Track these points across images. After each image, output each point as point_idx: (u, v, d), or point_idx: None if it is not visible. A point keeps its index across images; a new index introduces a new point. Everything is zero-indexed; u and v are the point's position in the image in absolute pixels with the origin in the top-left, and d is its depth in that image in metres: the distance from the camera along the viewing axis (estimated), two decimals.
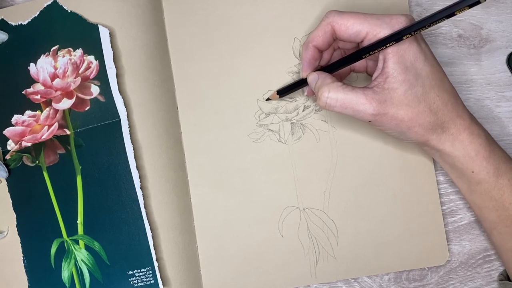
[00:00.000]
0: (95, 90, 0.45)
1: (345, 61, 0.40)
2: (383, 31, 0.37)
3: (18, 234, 0.45)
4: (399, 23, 0.36)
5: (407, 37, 0.36)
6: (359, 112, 0.37)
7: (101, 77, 0.44)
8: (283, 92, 0.44)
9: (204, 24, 0.45)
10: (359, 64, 0.42)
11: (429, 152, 0.41)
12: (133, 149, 0.44)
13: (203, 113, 0.45)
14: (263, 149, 0.45)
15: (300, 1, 0.45)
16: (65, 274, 0.44)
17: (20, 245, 0.45)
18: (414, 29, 0.36)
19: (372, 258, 0.44)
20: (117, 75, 0.44)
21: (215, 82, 0.45)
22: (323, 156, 0.45)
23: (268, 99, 0.45)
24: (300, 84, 0.43)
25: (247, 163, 0.45)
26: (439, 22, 0.35)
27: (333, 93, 0.37)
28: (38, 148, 0.45)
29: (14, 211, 0.45)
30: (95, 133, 0.44)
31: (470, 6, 0.33)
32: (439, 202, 0.44)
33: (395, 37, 0.36)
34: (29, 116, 0.45)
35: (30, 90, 0.45)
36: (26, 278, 0.44)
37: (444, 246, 0.44)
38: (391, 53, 0.37)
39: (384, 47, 0.37)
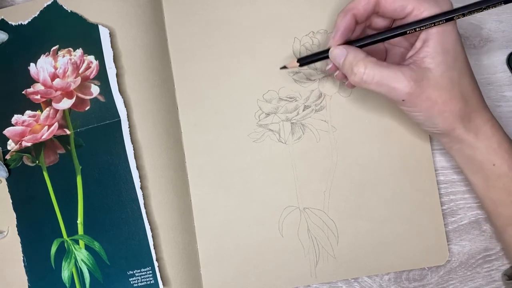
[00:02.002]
0: (95, 90, 0.45)
1: (384, 35, 0.38)
2: (430, 9, 0.36)
3: (18, 234, 0.45)
4: (446, 4, 0.36)
5: (458, 18, 0.35)
6: (394, 89, 0.36)
7: (101, 77, 0.44)
8: (305, 60, 0.41)
9: (204, 24, 0.45)
10: (378, 48, 0.41)
11: (448, 144, 0.40)
12: (133, 149, 0.44)
13: (203, 113, 0.45)
14: (263, 149, 0.45)
15: (300, 1, 0.45)
16: (65, 274, 0.44)
17: (20, 245, 0.45)
18: (468, 10, 0.35)
19: (372, 258, 0.44)
20: (117, 75, 0.44)
21: (215, 82, 0.45)
22: (323, 156, 0.45)
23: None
24: (324, 54, 0.40)
25: (247, 163, 0.45)
26: (496, 6, 0.34)
27: (370, 69, 0.36)
28: (38, 148, 0.45)
29: (14, 211, 0.45)
30: (95, 133, 0.44)
31: None
32: (439, 202, 0.44)
33: (446, 16, 0.35)
34: (29, 116, 0.45)
35: (30, 90, 0.45)
36: (26, 278, 0.44)
37: (444, 246, 0.44)
38: (436, 33, 0.36)
39: (433, 25, 0.36)
